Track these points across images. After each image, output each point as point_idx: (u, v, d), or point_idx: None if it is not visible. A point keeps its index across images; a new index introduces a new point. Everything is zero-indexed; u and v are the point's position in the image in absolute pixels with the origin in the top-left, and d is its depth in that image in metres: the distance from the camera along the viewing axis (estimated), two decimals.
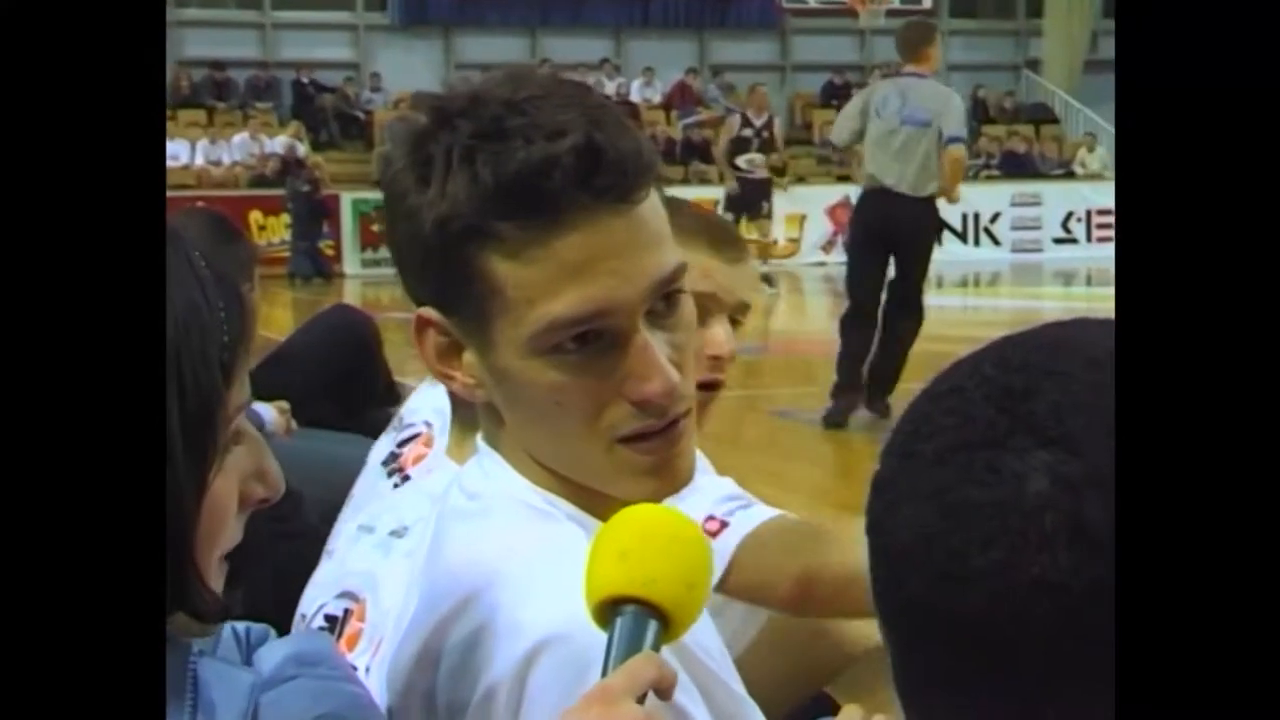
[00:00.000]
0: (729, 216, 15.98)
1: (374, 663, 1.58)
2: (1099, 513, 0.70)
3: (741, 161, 15.73)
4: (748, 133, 15.79)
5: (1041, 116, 23.76)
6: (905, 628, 0.76)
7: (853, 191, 18.29)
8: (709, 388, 1.99)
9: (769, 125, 15.87)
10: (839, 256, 18.47)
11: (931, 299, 15.26)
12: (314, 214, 18.53)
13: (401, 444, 2.04)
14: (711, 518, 1.87)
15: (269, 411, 3.17)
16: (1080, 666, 0.70)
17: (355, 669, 1.55)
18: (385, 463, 2.02)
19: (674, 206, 2.08)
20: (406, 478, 1.97)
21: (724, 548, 1.83)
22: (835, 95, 21.77)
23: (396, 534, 1.75)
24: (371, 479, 2.00)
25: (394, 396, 4.65)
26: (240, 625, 1.16)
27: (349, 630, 1.74)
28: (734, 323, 2.06)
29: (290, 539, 2.43)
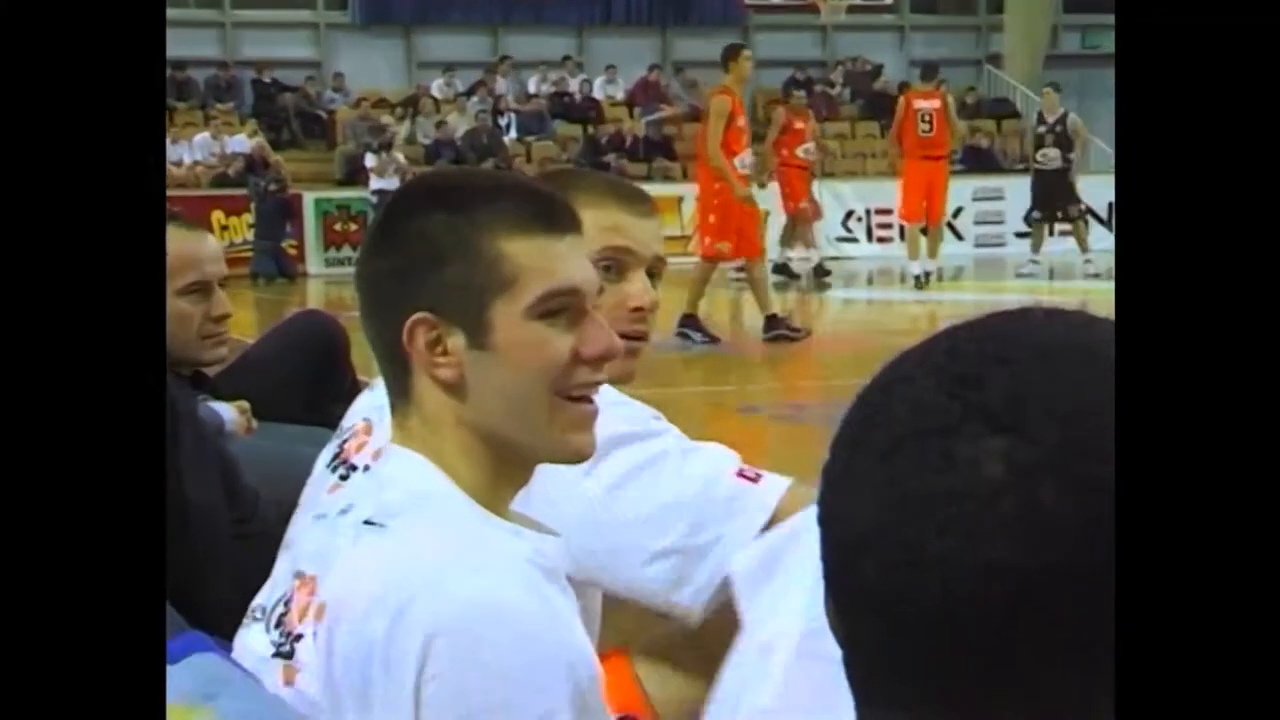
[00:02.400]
0: (1036, 216, 16.83)
1: (319, 628, 1.58)
2: (1054, 497, 0.71)
3: (1039, 155, 16.62)
4: (1042, 129, 16.69)
5: (1003, 111, 23.87)
6: (860, 617, 0.76)
7: (815, 187, 18.34)
8: (634, 339, 2.09)
9: (1061, 121, 16.63)
10: (800, 252, 18.49)
11: (895, 294, 15.37)
12: (279, 214, 18.46)
13: (342, 444, 2.07)
14: (742, 472, 2.04)
15: (229, 411, 3.15)
16: (1036, 652, 0.71)
17: (300, 636, 1.63)
18: (329, 464, 2.05)
19: (578, 174, 2.22)
20: (352, 467, 1.99)
21: (766, 496, 2.01)
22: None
23: (344, 512, 1.74)
24: (319, 480, 2.02)
25: (357, 394, 4.64)
26: None
27: (298, 604, 1.73)
28: (651, 275, 2.16)
29: (249, 539, 2.42)
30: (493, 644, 1.40)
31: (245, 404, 3.27)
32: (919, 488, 0.72)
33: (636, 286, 2.12)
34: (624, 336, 2.03)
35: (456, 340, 1.53)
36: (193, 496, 2.41)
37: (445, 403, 1.55)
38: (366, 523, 1.52)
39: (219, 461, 2.58)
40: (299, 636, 1.64)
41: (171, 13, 22.18)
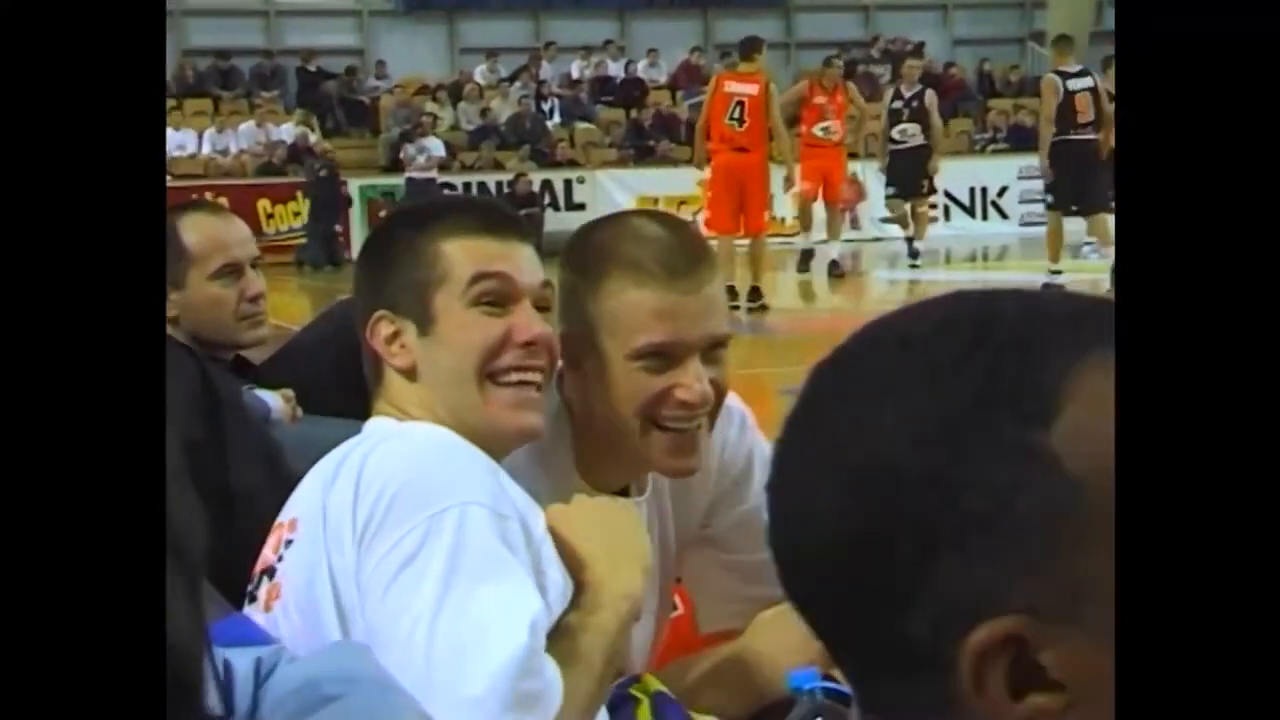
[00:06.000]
0: (891, 192, 15.41)
1: (294, 535, 1.76)
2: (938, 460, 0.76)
3: (895, 133, 15.29)
4: (898, 104, 15.40)
5: None
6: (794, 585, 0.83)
7: (859, 167, 18.22)
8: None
9: (919, 96, 15.34)
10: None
11: (940, 274, 15.26)
12: (333, 199, 18.51)
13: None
14: None
15: (275, 400, 3.17)
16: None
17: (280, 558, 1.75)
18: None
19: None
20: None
21: None
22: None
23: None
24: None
25: None
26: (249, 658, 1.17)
27: (275, 539, 1.82)
28: (710, 357, 1.95)
29: None
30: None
31: (290, 392, 3.29)
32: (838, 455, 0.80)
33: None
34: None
35: (409, 332, 1.81)
36: (237, 484, 2.44)
37: (405, 388, 1.83)
38: None
39: (264, 449, 2.61)
40: (280, 558, 1.78)
41: (215, 2, 22.28)
